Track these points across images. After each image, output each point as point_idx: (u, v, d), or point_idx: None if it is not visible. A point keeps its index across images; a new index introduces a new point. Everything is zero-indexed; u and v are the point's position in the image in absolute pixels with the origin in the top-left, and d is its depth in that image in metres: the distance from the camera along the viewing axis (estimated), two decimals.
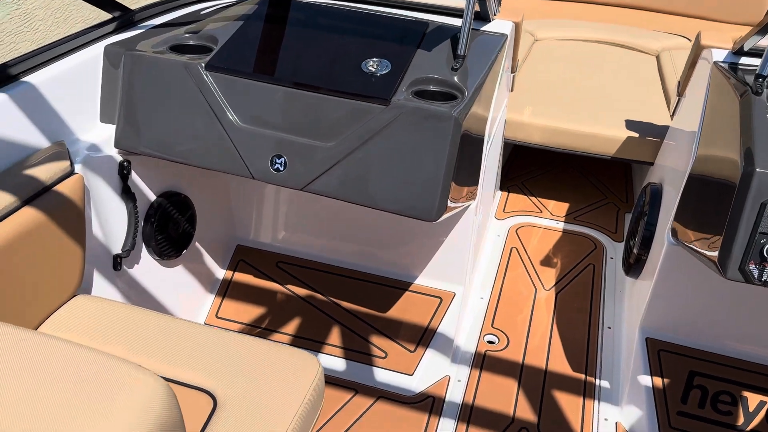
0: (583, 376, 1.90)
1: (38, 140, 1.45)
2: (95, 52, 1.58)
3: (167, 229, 1.79)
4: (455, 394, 1.83)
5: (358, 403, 1.79)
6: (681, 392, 1.77)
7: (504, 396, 1.84)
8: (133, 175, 1.66)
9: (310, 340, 1.96)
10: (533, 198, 2.67)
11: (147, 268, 1.76)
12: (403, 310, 2.02)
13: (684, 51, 2.89)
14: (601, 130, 2.40)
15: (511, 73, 2.22)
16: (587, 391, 1.86)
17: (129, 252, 1.64)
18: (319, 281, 2.11)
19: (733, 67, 1.71)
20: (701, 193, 1.54)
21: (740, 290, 1.74)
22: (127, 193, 1.63)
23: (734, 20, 3.35)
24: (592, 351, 1.98)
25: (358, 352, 1.93)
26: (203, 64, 1.53)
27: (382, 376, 1.87)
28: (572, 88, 2.67)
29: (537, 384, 1.88)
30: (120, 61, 1.58)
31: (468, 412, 1.79)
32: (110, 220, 1.60)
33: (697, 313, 1.81)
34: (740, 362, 1.82)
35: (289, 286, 2.09)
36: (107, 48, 1.60)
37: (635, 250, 1.96)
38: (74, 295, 1.47)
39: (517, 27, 1.96)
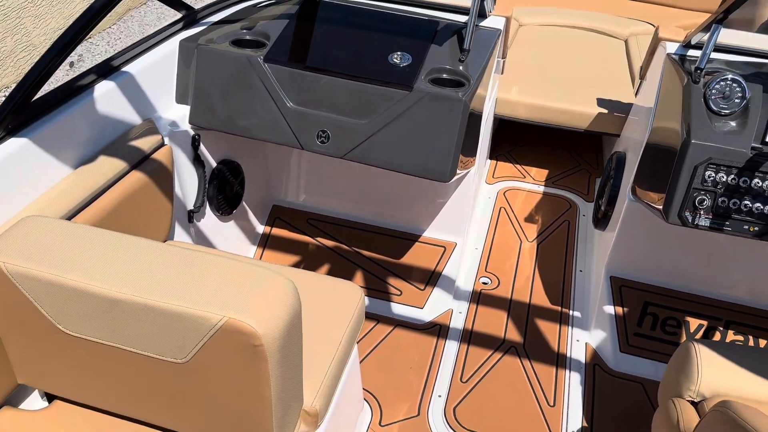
0: (559, 308, 2.36)
1: (133, 118, 1.82)
2: (171, 47, 1.94)
3: (225, 190, 2.19)
4: (457, 323, 2.28)
5: (381, 330, 2.23)
6: (637, 318, 2.24)
7: (496, 324, 2.29)
8: (201, 147, 2.04)
9: None
10: (518, 165, 3.10)
11: (210, 222, 2.15)
12: (413, 256, 2.45)
13: (648, 36, 3.31)
14: (576, 107, 2.82)
15: (502, 58, 2.62)
16: (562, 319, 2.32)
17: (199, 208, 2.04)
18: (343, 235, 2.52)
19: (682, 58, 2.13)
20: (653, 159, 1.98)
21: (683, 236, 2.20)
22: (198, 161, 2.01)
23: (693, 7, 3.77)
24: (566, 288, 2.43)
25: (378, 290, 2.35)
26: (261, 57, 1.90)
27: (398, 309, 2.31)
28: (552, 69, 3.08)
29: (522, 315, 2.33)
30: (192, 54, 1.95)
31: (468, 337, 2.23)
32: (186, 182, 1.98)
33: (650, 256, 2.27)
34: (684, 294, 2.29)
35: (318, 239, 2.50)
36: (181, 43, 1.96)
37: (603, 208, 2.40)
38: (165, 241, 1.86)
39: (508, 20, 2.35)
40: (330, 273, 2.41)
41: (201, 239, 2.10)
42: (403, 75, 1.87)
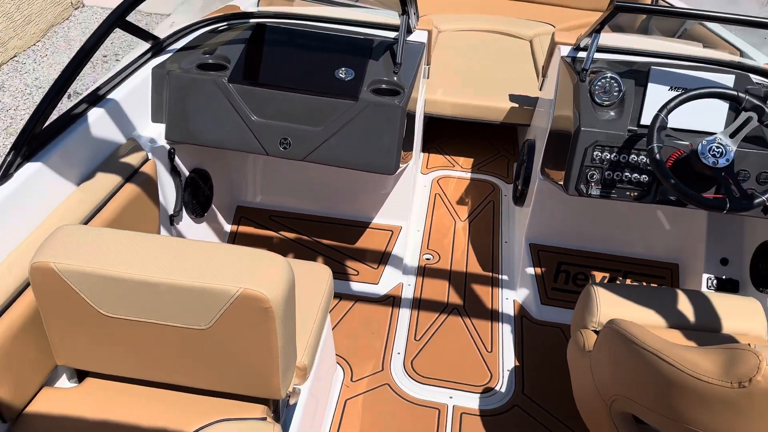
0: (490, 274, 2.80)
1: (119, 138, 2.10)
2: (145, 74, 2.23)
3: (197, 195, 2.49)
4: (408, 293, 2.68)
5: (344, 305, 2.60)
6: (553, 276, 2.71)
7: (440, 291, 2.70)
8: (176, 159, 2.34)
9: None
10: (447, 156, 3.53)
11: (187, 224, 2.45)
12: (366, 241, 2.83)
13: (549, 36, 3.82)
14: (492, 103, 3.27)
15: (427, 65, 3.03)
16: (494, 282, 2.76)
17: (178, 212, 2.33)
18: (303, 227, 2.87)
19: (573, 59, 2.60)
20: (555, 144, 2.44)
21: (584, 206, 2.69)
22: (174, 171, 2.31)
23: (587, 7, 4.32)
24: (495, 257, 2.88)
25: (338, 272, 2.72)
26: (226, 79, 2.22)
27: (357, 287, 2.69)
28: (469, 70, 3.52)
29: (461, 281, 2.76)
30: (163, 79, 2.24)
31: (417, 304, 2.64)
32: (166, 190, 2.28)
33: (560, 224, 2.75)
34: (589, 253, 2.78)
35: (280, 233, 2.84)
36: (153, 70, 2.25)
37: (519, 187, 2.86)
38: None
39: (430, 33, 2.76)
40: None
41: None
42: (349, 88, 2.24)
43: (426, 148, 3.59)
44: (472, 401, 2.26)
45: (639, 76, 2.27)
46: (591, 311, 1.94)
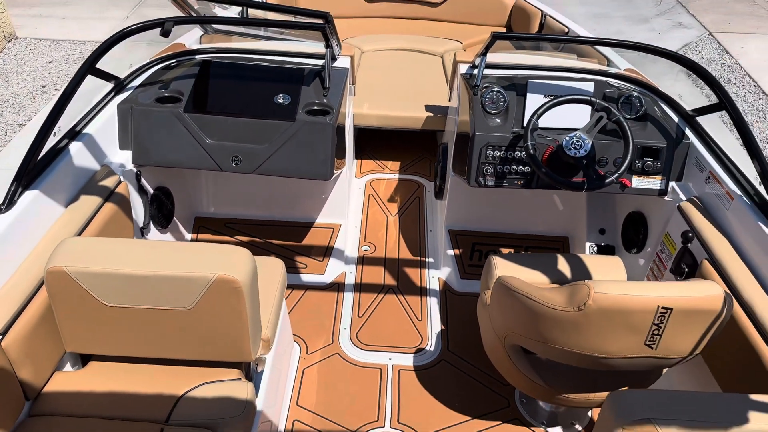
0: (419, 258, 3.32)
1: (95, 165, 2.50)
2: (111, 110, 2.63)
3: (162, 210, 2.89)
4: (350, 280, 3.16)
5: (296, 294, 3.06)
6: (469, 255, 3.25)
7: (377, 276, 3.20)
8: (143, 179, 2.74)
9: None
10: (377, 161, 4.04)
11: (154, 235, 2.85)
12: (311, 238, 3.30)
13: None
14: (411, 113, 3.80)
15: (352, 84, 3.53)
16: (422, 264, 3.28)
17: (146, 225, 2.74)
18: (255, 231, 3.31)
19: (470, 76, 3.15)
20: (460, 145, 2.97)
21: (490, 195, 3.24)
22: (142, 190, 2.71)
23: (491, 23, 4.93)
24: (422, 243, 3.40)
25: (289, 267, 3.17)
26: (181, 109, 2.65)
27: (306, 278, 3.15)
28: (390, 85, 4.04)
29: (394, 266, 3.26)
30: (127, 113, 2.64)
31: (359, 287, 3.12)
32: (137, 206, 2.68)
33: (472, 211, 3.29)
34: (498, 234, 3.34)
35: (236, 237, 3.27)
36: (118, 106, 2.65)
37: (438, 184, 3.39)
38: None
39: (353, 58, 3.25)
40: None
41: None
42: (287, 111, 2.71)
43: (359, 155, 4.09)
44: (407, 360, 2.76)
45: (520, 88, 2.83)
46: (491, 275, 2.48)
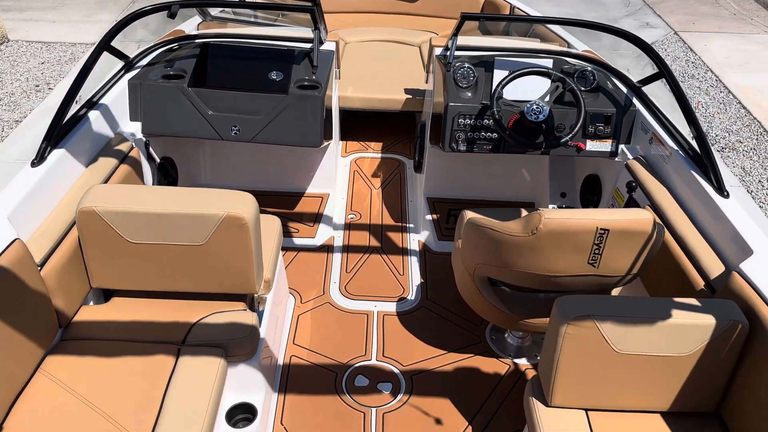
0: (400, 224, 3.65)
1: (109, 132, 2.80)
2: (123, 85, 2.94)
3: (167, 178, 3.20)
4: (338, 243, 3.48)
5: (289, 255, 3.37)
6: (445, 219, 3.59)
7: (362, 239, 3.52)
8: (151, 148, 3.04)
9: None
10: (361, 142, 4.37)
11: None
12: (302, 206, 3.62)
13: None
14: (392, 95, 4.14)
15: (337, 68, 3.86)
16: (403, 229, 3.61)
17: None
18: None
19: (444, 56, 3.49)
20: (435, 121, 3.32)
21: (465, 166, 3.59)
22: (150, 158, 3.02)
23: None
24: (403, 211, 3.74)
25: (283, 232, 3.48)
26: (185, 84, 2.96)
27: (299, 241, 3.46)
28: (372, 71, 4.39)
29: (378, 231, 3.59)
30: (137, 88, 2.95)
31: (346, 249, 3.44)
32: (146, 172, 2.98)
33: (447, 180, 3.64)
34: (471, 200, 3.69)
35: None
36: (129, 81, 2.96)
37: (417, 158, 3.73)
38: None
39: (338, 43, 3.59)
40: None
41: None
42: (280, 85, 3.03)
43: (344, 137, 4.42)
44: (390, 307, 3.08)
45: (488, 65, 3.19)
46: (461, 225, 2.81)
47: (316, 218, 3.59)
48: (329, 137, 3.30)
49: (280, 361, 2.76)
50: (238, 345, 2.23)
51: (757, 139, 5.68)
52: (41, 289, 2.08)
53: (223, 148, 3.65)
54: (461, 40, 3.40)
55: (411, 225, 3.65)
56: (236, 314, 2.33)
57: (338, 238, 3.51)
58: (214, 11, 3.78)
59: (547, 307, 2.50)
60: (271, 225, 2.76)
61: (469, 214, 2.82)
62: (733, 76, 6.95)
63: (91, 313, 2.33)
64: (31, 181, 2.25)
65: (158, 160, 3.14)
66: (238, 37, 3.33)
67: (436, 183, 3.66)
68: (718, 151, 5.49)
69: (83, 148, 2.58)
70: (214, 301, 2.40)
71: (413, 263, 3.37)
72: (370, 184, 3.96)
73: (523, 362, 2.82)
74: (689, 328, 1.91)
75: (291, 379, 2.70)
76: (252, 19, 3.57)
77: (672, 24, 8.34)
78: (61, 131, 2.49)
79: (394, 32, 4.91)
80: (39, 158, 2.36)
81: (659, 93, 6.07)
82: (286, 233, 3.50)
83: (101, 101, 2.79)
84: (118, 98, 2.91)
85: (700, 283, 2.22)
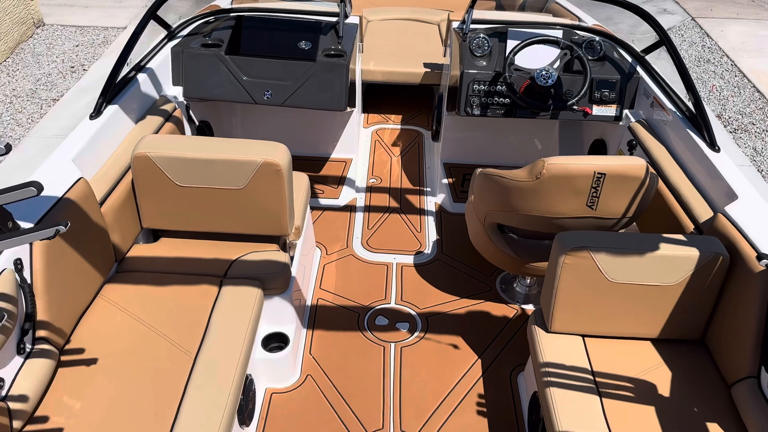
0: (418, 187, 3.90)
1: (154, 93, 3.09)
2: (166, 52, 3.22)
3: None
4: (360, 203, 3.74)
5: (315, 213, 3.64)
6: (460, 183, 3.83)
7: (383, 201, 3.78)
8: (191, 111, 3.33)
9: None
10: (382, 115, 4.63)
11: None
12: (327, 169, 3.89)
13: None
14: (412, 69, 4.38)
15: (360, 42, 4.12)
16: (421, 192, 3.86)
17: None
18: None
19: (460, 29, 3.72)
20: (452, 90, 3.55)
21: (479, 134, 3.83)
22: (190, 120, 3.30)
23: None
24: (421, 176, 3.99)
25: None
26: (223, 52, 3.23)
27: (324, 201, 3.73)
28: (394, 47, 4.63)
29: (398, 194, 3.84)
30: (179, 55, 3.23)
31: (368, 209, 3.70)
32: (187, 132, 3.27)
33: (463, 146, 3.88)
34: (485, 165, 3.91)
35: None
36: (172, 49, 3.24)
37: (435, 127, 3.97)
38: None
39: (361, 18, 3.85)
40: None
41: None
42: (308, 54, 3.30)
43: (366, 109, 4.67)
44: (408, 260, 3.34)
45: (501, 36, 3.41)
46: (473, 181, 3.06)
47: (340, 181, 3.85)
48: (353, 105, 3.55)
49: (309, 302, 3.04)
50: (273, 279, 2.50)
51: None
52: (101, 223, 2.37)
53: (254, 114, 3.93)
54: (477, 14, 3.63)
55: (428, 189, 3.89)
56: (271, 253, 2.60)
57: (360, 200, 3.77)
58: None
59: (550, 252, 2.73)
60: (301, 181, 3.03)
61: (480, 174, 3.07)
62: (748, 61, 7.06)
63: (143, 250, 2.62)
64: (91, 131, 2.54)
65: (197, 122, 3.42)
66: (269, 10, 3.59)
67: (452, 149, 3.90)
68: (730, 132, 5.64)
69: (132, 107, 2.87)
70: (250, 243, 2.67)
71: (430, 222, 3.62)
72: (390, 153, 4.21)
73: (529, 307, 3.06)
74: (676, 260, 2.14)
75: (318, 318, 2.98)
76: None
77: (689, 10, 8.44)
78: (114, 89, 2.78)
79: (415, 11, 5.15)
80: (96, 112, 2.65)
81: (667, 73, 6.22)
82: (312, 194, 3.77)
83: (148, 65, 3.08)
84: (162, 64, 3.19)
85: (690, 226, 2.44)
